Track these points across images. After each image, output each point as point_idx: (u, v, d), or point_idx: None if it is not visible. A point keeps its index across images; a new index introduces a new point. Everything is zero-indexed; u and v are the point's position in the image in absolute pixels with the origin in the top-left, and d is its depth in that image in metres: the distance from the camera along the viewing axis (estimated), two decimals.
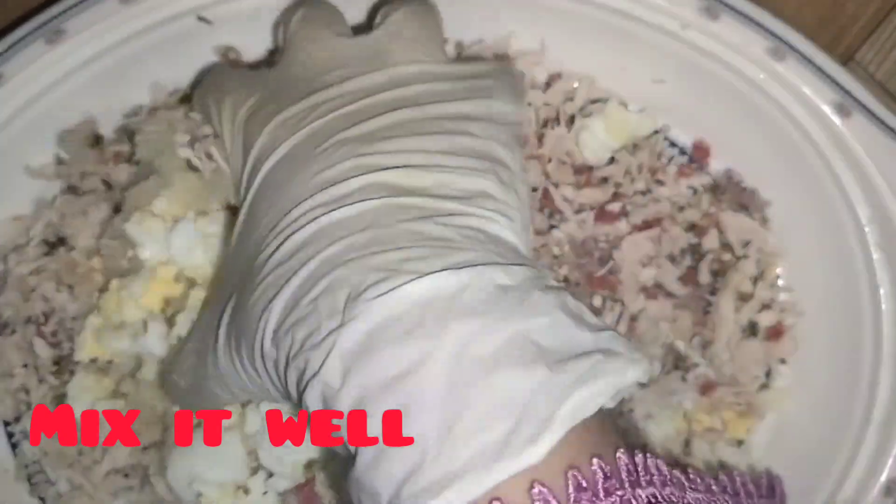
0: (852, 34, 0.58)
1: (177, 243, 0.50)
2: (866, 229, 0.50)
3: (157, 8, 0.52)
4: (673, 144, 0.57)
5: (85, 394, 0.51)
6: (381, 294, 0.34)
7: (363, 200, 0.37)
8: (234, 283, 0.42)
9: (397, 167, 0.38)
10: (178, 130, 0.51)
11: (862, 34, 0.59)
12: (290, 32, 0.47)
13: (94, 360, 0.52)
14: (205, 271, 0.51)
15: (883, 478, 0.49)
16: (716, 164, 0.56)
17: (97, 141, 0.55)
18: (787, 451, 0.53)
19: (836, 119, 0.50)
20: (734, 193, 0.54)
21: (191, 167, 0.51)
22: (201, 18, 0.53)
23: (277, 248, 0.38)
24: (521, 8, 0.54)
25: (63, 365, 0.53)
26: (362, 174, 0.38)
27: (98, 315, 0.51)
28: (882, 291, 0.50)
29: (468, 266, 0.34)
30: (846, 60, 0.58)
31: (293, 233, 0.38)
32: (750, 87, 0.52)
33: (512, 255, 0.37)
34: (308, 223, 0.37)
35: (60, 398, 0.52)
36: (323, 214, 0.37)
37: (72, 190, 0.55)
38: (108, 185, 0.55)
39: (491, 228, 0.38)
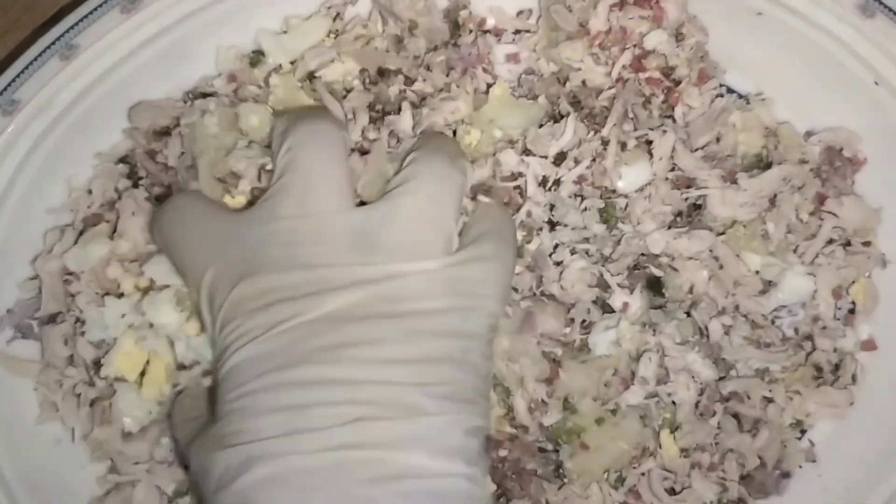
0: None
1: None
2: None
3: None
4: None
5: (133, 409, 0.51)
6: None
7: (319, 451, 0.38)
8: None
9: (361, 419, 0.39)
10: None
11: None
12: (280, 164, 0.45)
13: (119, 378, 0.51)
14: None
15: None
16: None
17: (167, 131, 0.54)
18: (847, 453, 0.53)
19: None
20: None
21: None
22: None
23: (230, 480, 0.39)
24: None
25: (101, 368, 0.51)
26: (337, 426, 0.39)
27: (129, 335, 0.50)
28: None
29: None
30: None
31: (244, 473, 0.39)
32: (837, 46, 0.51)
33: None
34: (260, 465, 0.39)
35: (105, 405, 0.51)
36: (279, 458, 0.38)
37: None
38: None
39: (448, 487, 0.39)
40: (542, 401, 0.50)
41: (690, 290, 0.51)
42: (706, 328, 0.51)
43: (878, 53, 0.50)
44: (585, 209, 0.51)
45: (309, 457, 0.38)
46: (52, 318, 0.53)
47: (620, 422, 0.50)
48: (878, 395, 0.52)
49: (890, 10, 0.50)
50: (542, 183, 0.51)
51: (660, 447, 0.50)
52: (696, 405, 0.51)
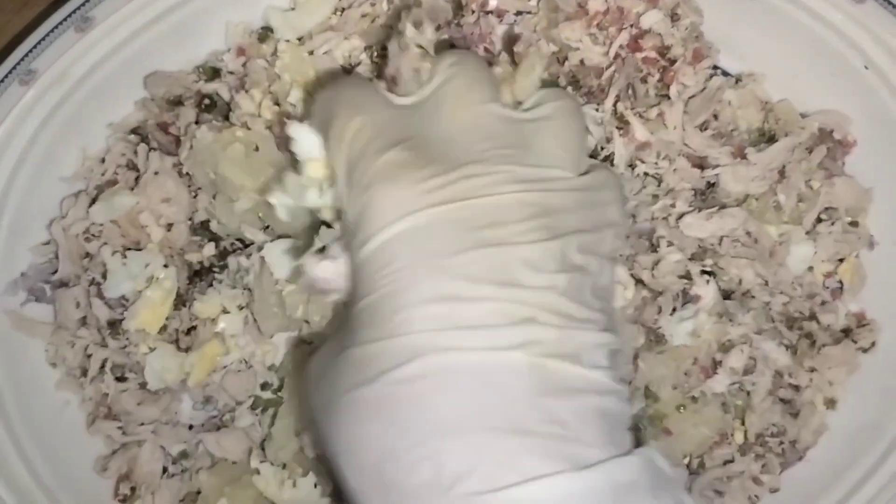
0: None
1: None
2: None
3: None
4: None
5: (167, 374, 0.53)
6: (487, 492, 0.34)
7: (484, 350, 0.36)
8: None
9: (530, 320, 0.37)
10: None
11: None
12: (439, 78, 0.43)
13: (140, 331, 0.53)
14: None
15: None
16: None
17: (179, 101, 0.56)
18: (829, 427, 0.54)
19: None
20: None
21: None
22: None
23: (391, 368, 0.36)
24: None
25: (115, 328, 0.53)
26: (505, 325, 0.36)
27: (155, 288, 0.52)
28: None
29: (587, 468, 0.35)
30: None
31: (406, 362, 0.36)
32: (827, 30, 0.52)
33: (621, 433, 0.38)
34: (417, 359, 0.36)
35: (121, 366, 0.53)
36: (439, 353, 0.36)
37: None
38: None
39: (608, 406, 0.37)
40: None
41: (740, 282, 0.53)
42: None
43: (868, 38, 0.51)
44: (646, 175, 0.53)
45: (472, 354, 0.36)
46: (65, 283, 0.54)
47: (702, 409, 0.51)
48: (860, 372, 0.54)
49: None
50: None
51: (732, 435, 0.52)
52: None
